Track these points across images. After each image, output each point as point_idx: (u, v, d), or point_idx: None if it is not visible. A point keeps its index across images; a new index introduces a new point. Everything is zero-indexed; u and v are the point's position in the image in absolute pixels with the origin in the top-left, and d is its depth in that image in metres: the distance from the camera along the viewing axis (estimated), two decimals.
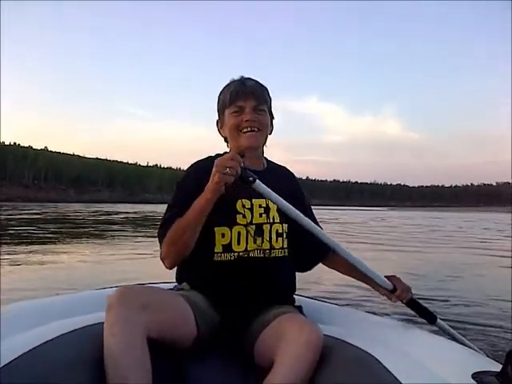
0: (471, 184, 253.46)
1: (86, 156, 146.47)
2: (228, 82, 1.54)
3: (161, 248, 1.39)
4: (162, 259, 1.39)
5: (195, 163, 1.53)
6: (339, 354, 1.18)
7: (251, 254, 1.40)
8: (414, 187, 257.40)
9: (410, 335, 1.34)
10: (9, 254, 7.69)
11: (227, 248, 1.39)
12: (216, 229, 1.39)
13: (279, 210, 1.45)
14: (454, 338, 1.48)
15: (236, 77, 1.54)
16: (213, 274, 1.40)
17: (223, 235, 1.39)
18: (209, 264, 1.39)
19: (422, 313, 1.50)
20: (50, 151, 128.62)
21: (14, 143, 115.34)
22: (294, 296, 1.55)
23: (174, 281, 1.53)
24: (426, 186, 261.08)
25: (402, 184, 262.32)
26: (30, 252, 8.17)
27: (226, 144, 1.57)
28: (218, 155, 1.55)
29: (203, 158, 1.54)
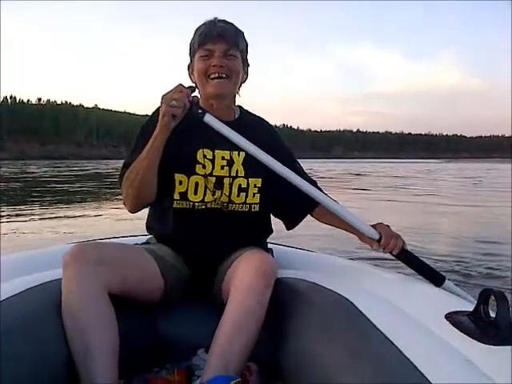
0: None
1: (137, 113, 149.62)
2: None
3: (122, 191, 1.36)
4: (124, 202, 1.36)
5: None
6: (314, 298, 1.20)
7: (208, 206, 1.36)
8: (471, 137, 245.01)
9: (384, 278, 1.37)
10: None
11: (183, 196, 1.36)
12: (176, 175, 1.35)
13: (245, 164, 1.38)
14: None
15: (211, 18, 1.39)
16: (172, 221, 1.38)
17: (180, 182, 1.35)
18: (168, 211, 1.38)
19: (422, 270, 1.33)
20: (101, 109, 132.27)
21: (66, 102, 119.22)
22: (270, 246, 1.54)
23: (147, 233, 1.52)
24: (485, 136, 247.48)
25: (459, 134, 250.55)
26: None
27: (197, 90, 1.42)
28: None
29: None
